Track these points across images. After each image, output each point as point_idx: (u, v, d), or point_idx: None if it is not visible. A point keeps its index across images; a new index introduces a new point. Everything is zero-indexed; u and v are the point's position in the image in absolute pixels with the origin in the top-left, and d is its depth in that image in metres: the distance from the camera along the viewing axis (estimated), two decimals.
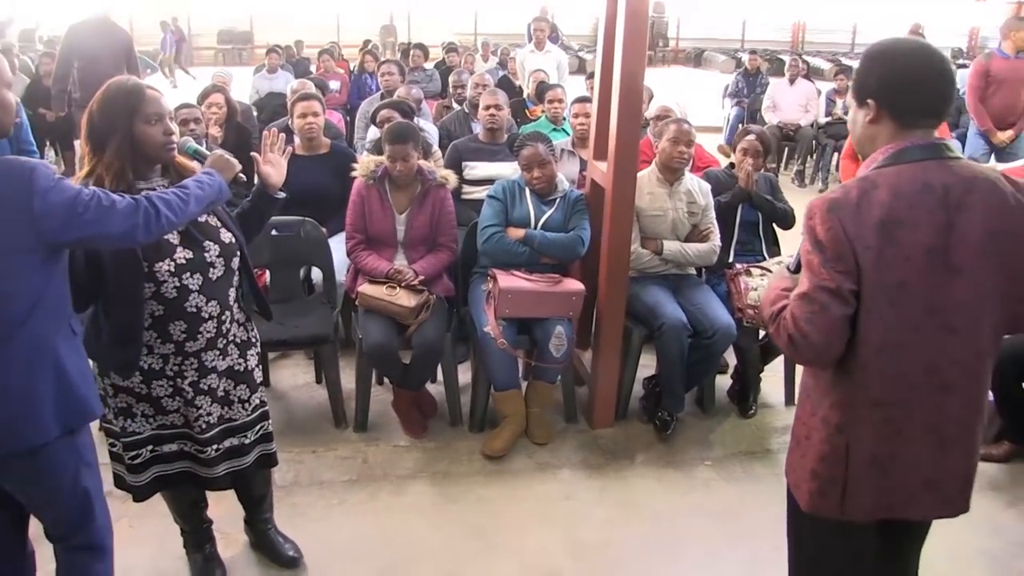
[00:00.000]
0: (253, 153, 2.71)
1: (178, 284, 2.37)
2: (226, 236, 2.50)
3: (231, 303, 2.54)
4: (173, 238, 2.36)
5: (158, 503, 3.02)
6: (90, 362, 2.34)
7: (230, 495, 2.99)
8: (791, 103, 9.54)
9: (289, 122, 4.75)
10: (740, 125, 9.28)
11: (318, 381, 4.25)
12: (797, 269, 2.04)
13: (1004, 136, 6.48)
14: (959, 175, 1.77)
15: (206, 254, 2.42)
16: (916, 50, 1.81)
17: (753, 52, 12.49)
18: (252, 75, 10.19)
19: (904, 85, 1.79)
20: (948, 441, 1.85)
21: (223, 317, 2.50)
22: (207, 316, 2.44)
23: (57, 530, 2.22)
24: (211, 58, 21.31)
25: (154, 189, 2.25)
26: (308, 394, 4.22)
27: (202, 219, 2.43)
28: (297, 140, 4.58)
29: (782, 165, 9.86)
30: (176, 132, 2.42)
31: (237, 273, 2.55)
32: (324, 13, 23.18)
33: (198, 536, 2.90)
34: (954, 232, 1.74)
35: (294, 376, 4.39)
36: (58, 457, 2.08)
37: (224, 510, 3.02)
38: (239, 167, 2.46)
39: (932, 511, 1.94)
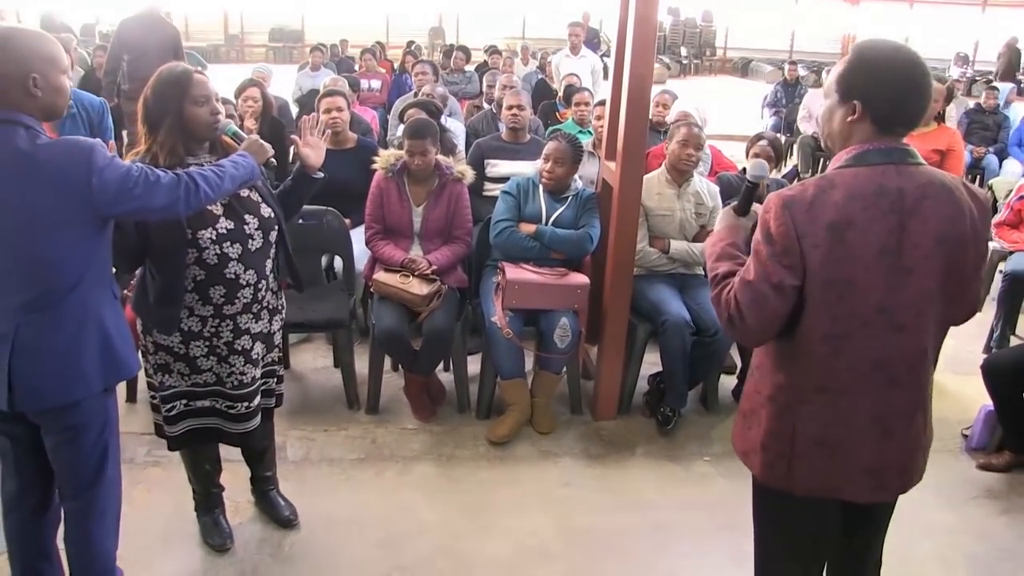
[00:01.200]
0: (293, 136, 2.95)
1: (219, 252, 2.60)
2: (266, 211, 2.72)
3: (267, 273, 2.76)
4: (216, 209, 2.59)
5: (174, 472, 3.23)
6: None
7: (241, 470, 3.20)
8: None
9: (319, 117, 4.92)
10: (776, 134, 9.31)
11: (336, 365, 4.40)
12: (743, 211, 2.16)
13: None
14: (915, 181, 1.85)
15: (246, 226, 2.65)
16: (909, 62, 1.87)
17: (793, 63, 12.45)
18: (296, 72, 10.44)
19: (893, 97, 1.86)
20: (892, 432, 1.95)
21: (259, 285, 2.73)
22: (244, 283, 2.67)
23: (70, 485, 2.39)
24: (262, 55, 21.70)
25: (202, 164, 2.47)
26: (325, 377, 4.39)
27: (244, 194, 2.67)
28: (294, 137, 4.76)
29: (817, 174, 9.84)
30: (222, 112, 2.66)
31: (274, 246, 2.78)
32: (374, 14, 23.50)
33: (209, 500, 3.09)
34: (906, 235, 1.82)
35: (313, 360, 4.57)
36: (92, 411, 2.30)
37: (235, 481, 3.20)
38: (271, 152, 2.68)
39: (871, 495, 2.02)
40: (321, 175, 2.90)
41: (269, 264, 2.77)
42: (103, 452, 2.37)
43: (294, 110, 7.77)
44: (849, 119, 1.90)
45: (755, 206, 2.11)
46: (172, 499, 3.26)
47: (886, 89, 1.86)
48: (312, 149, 2.87)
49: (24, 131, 2.07)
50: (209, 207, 2.52)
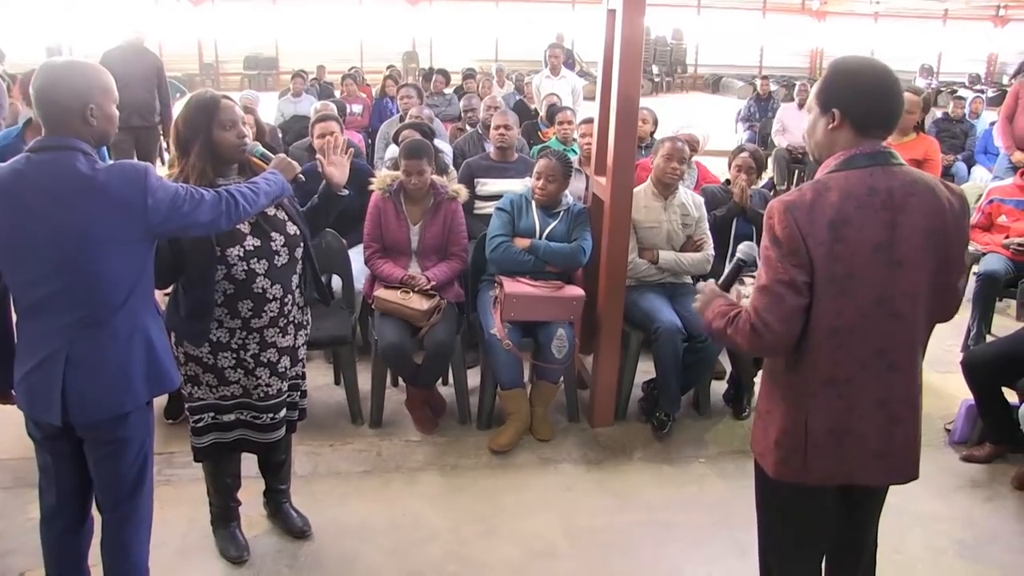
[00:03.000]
0: (318, 156, 3.08)
1: (246, 268, 2.73)
2: (292, 229, 2.86)
3: (293, 288, 2.90)
4: (244, 227, 2.73)
5: (184, 490, 3.31)
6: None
7: (253, 485, 3.29)
8: (800, 127, 9.63)
9: (312, 142, 5.06)
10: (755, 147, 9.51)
11: (336, 383, 4.52)
12: (726, 286, 2.31)
13: (1019, 157, 6.67)
14: (901, 180, 2.01)
15: (272, 243, 2.79)
16: (878, 70, 2.05)
17: (765, 77, 12.76)
18: (277, 99, 10.55)
19: (867, 99, 2.03)
20: (896, 416, 2.09)
21: (285, 300, 2.86)
22: (271, 297, 2.80)
23: (111, 496, 2.48)
24: (237, 83, 21.81)
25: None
26: (328, 394, 4.48)
27: (271, 212, 2.81)
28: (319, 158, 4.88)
29: (793, 186, 10.05)
30: (249, 135, 2.80)
31: (300, 262, 2.91)
32: (348, 39, 23.69)
33: (227, 514, 3.18)
34: (897, 230, 1.98)
35: (314, 378, 4.62)
36: (137, 422, 2.40)
37: (247, 496, 3.27)
38: (299, 168, 2.82)
39: (883, 478, 2.17)
40: (346, 192, 3.05)
41: (295, 279, 2.90)
42: (143, 463, 2.47)
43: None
44: (830, 127, 2.06)
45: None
46: (185, 516, 3.34)
47: (861, 94, 2.03)
48: (336, 168, 3.01)
49: (83, 156, 2.18)
50: (238, 226, 2.65)
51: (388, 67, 12.99)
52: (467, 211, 4.67)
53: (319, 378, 4.65)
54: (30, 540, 2.67)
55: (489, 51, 24.74)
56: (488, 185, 5.13)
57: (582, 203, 4.50)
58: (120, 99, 2.36)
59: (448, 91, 10.53)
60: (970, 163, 8.97)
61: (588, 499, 3.64)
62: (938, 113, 10.45)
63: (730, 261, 4.39)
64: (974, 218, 5.53)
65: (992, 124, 8.91)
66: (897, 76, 2.07)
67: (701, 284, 2.40)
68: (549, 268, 4.09)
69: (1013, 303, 5.67)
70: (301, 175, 2.83)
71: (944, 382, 4.55)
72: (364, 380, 4.21)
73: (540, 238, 4.13)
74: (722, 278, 2.36)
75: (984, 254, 5.33)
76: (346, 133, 6.28)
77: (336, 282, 4.56)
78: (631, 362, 4.24)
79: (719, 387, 4.54)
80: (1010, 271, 5.11)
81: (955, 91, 14.66)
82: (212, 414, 2.90)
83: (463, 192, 4.25)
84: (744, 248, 2.47)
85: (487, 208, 4.93)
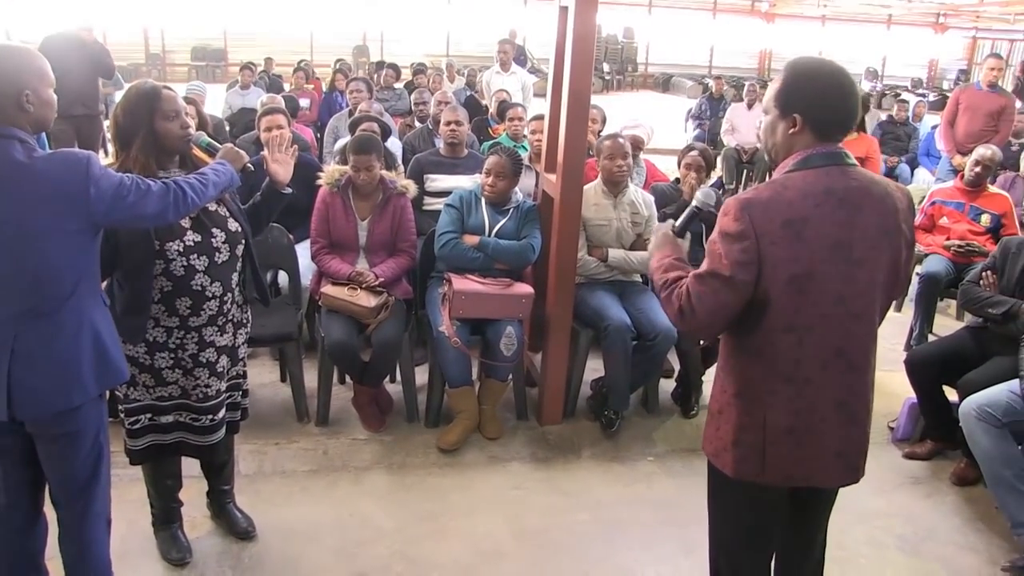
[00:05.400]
0: (263, 153, 3.02)
1: (185, 264, 2.66)
2: (233, 225, 2.79)
3: (233, 286, 2.83)
4: (184, 222, 2.64)
5: (125, 491, 3.22)
6: None
7: (195, 485, 3.22)
8: (749, 126, 9.83)
9: (259, 135, 4.96)
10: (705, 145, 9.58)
11: (282, 380, 4.45)
12: (681, 232, 2.34)
13: (959, 160, 6.78)
14: (857, 180, 2.02)
15: (213, 239, 2.71)
16: (836, 73, 2.04)
17: (719, 77, 12.90)
18: (225, 91, 10.37)
19: (827, 104, 2.03)
20: (855, 416, 2.10)
21: (225, 298, 2.79)
22: (210, 295, 2.73)
23: (66, 491, 2.42)
24: (185, 75, 21.36)
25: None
26: (273, 392, 4.41)
27: (212, 208, 2.73)
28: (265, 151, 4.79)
29: (741, 186, 10.17)
30: (192, 126, 2.72)
31: (241, 260, 2.84)
32: (297, 32, 23.38)
33: (168, 515, 3.10)
34: (855, 229, 1.99)
35: (260, 375, 4.57)
36: (88, 416, 2.34)
37: (189, 496, 3.21)
38: (247, 158, 2.77)
39: (840, 479, 2.17)
40: (289, 190, 2.99)
41: (235, 277, 2.83)
42: (98, 456, 2.42)
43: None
44: (791, 131, 2.06)
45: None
46: (125, 517, 3.23)
47: (821, 100, 2.03)
48: (280, 165, 2.94)
49: (20, 145, 2.12)
50: None
51: (337, 60, 12.82)
52: (416, 207, 4.63)
53: (265, 375, 4.58)
54: None
55: (441, 46, 24.60)
56: (438, 181, 5.09)
57: (532, 200, 4.48)
58: (61, 87, 2.30)
59: (398, 86, 10.44)
60: (913, 165, 9.15)
61: (536, 498, 3.63)
62: (883, 116, 10.63)
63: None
64: (917, 219, 5.64)
65: (934, 127, 9.10)
66: (851, 77, 2.06)
67: (657, 224, 2.40)
68: (498, 265, 4.07)
69: (954, 303, 5.80)
70: (250, 164, 2.78)
71: (888, 380, 4.61)
72: (310, 378, 4.15)
73: (489, 235, 4.10)
74: (678, 223, 2.38)
75: (926, 255, 5.43)
76: (296, 127, 6.20)
77: (282, 278, 4.50)
78: (580, 360, 4.23)
79: (668, 385, 4.57)
80: (951, 272, 5.22)
81: (899, 94, 14.98)
82: (149, 415, 2.82)
83: (412, 187, 4.22)
84: (700, 196, 2.49)
85: (436, 204, 4.88)
